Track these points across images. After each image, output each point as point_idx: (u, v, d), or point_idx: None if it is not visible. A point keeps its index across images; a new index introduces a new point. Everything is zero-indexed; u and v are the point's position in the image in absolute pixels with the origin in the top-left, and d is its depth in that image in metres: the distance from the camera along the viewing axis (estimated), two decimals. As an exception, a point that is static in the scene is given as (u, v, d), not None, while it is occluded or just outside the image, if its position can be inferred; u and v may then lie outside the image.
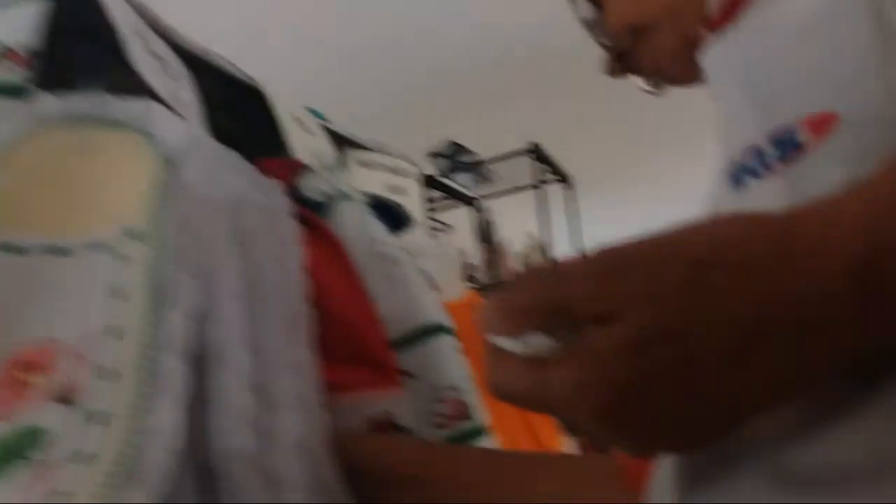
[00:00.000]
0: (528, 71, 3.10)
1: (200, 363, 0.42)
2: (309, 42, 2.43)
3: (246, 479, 0.40)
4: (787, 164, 0.32)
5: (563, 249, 2.79)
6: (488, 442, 0.70)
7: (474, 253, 2.25)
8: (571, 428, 0.37)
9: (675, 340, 0.24)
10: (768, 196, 0.33)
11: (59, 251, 0.44)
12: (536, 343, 0.27)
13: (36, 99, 0.54)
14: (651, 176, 4.81)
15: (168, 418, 0.37)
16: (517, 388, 0.27)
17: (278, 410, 0.44)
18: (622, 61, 0.58)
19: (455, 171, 2.58)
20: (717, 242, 0.25)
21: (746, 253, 0.25)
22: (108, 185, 0.50)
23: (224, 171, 0.59)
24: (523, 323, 0.27)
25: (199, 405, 0.41)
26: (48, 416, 0.37)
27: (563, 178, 2.86)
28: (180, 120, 0.57)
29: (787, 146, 0.32)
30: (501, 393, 0.28)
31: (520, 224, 2.83)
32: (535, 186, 2.67)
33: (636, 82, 0.66)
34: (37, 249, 0.43)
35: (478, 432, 0.69)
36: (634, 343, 0.24)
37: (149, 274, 0.43)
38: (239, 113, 0.86)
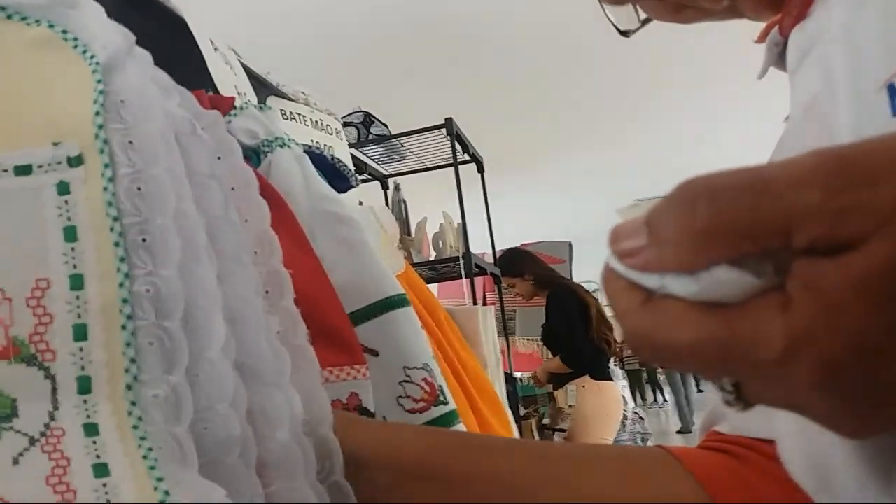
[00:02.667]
0: (446, 48, 3.03)
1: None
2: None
3: (238, 469, 0.33)
4: None
5: (478, 230, 2.74)
6: (462, 428, 0.61)
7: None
8: (741, 396, 0.29)
9: None
10: None
11: None
12: (717, 280, 0.20)
13: None
14: (557, 161, 4.93)
15: (177, 389, 0.31)
16: (683, 338, 0.20)
17: (267, 388, 0.37)
18: None
19: (366, 143, 2.45)
20: None
21: None
22: (27, 91, 0.38)
23: (162, 92, 0.46)
24: (712, 250, 0.20)
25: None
26: (5, 379, 0.29)
27: (474, 158, 2.80)
28: (106, 17, 0.44)
29: None
30: (653, 346, 0.21)
31: (431, 204, 2.75)
32: (447, 165, 2.58)
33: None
34: None
35: (453, 417, 0.60)
36: (883, 278, 0.18)
37: (108, 210, 0.34)
38: (154, 36, 0.71)
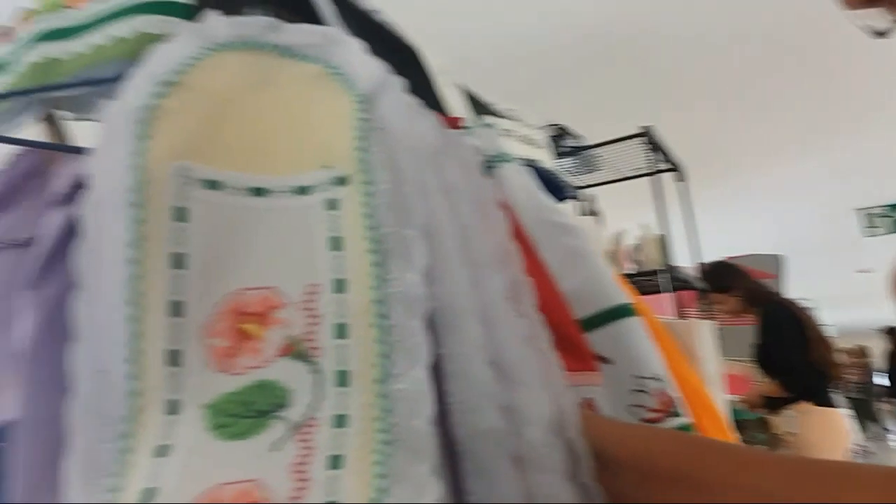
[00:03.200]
0: (640, 57, 2.94)
1: (429, 329, 0.37)
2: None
3: (495, 460, 0.36)
4: None
5: (679, 242, 2.62)
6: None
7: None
8: None
9: None
10: None
11: (261, 192, 0.39)
12: None
13: (202, 18, 0.47)
14: (763, 167, 4.54)
15: (419, 384, 0.33)
16: None
17: (519, 387, 0.39)
18: None
19: (561, 156, 2.45)
20: None
21: None
22: (302, 122, 0.44)
23: (415, 116, 0.51)
24: None
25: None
26: (283, 372, 0.33)
27: (675, 167, 2.68)
28: (366, 52, 0.49)
29: None
30: None
31: (629, 215, 2.68)
32: (647, 174, 2.50)
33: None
34: (237, 187, 0.39)
35: (688, 430, 0.58)
36: None
37: (365, 223, 0.38)
38: (395, 63, 0.78)
